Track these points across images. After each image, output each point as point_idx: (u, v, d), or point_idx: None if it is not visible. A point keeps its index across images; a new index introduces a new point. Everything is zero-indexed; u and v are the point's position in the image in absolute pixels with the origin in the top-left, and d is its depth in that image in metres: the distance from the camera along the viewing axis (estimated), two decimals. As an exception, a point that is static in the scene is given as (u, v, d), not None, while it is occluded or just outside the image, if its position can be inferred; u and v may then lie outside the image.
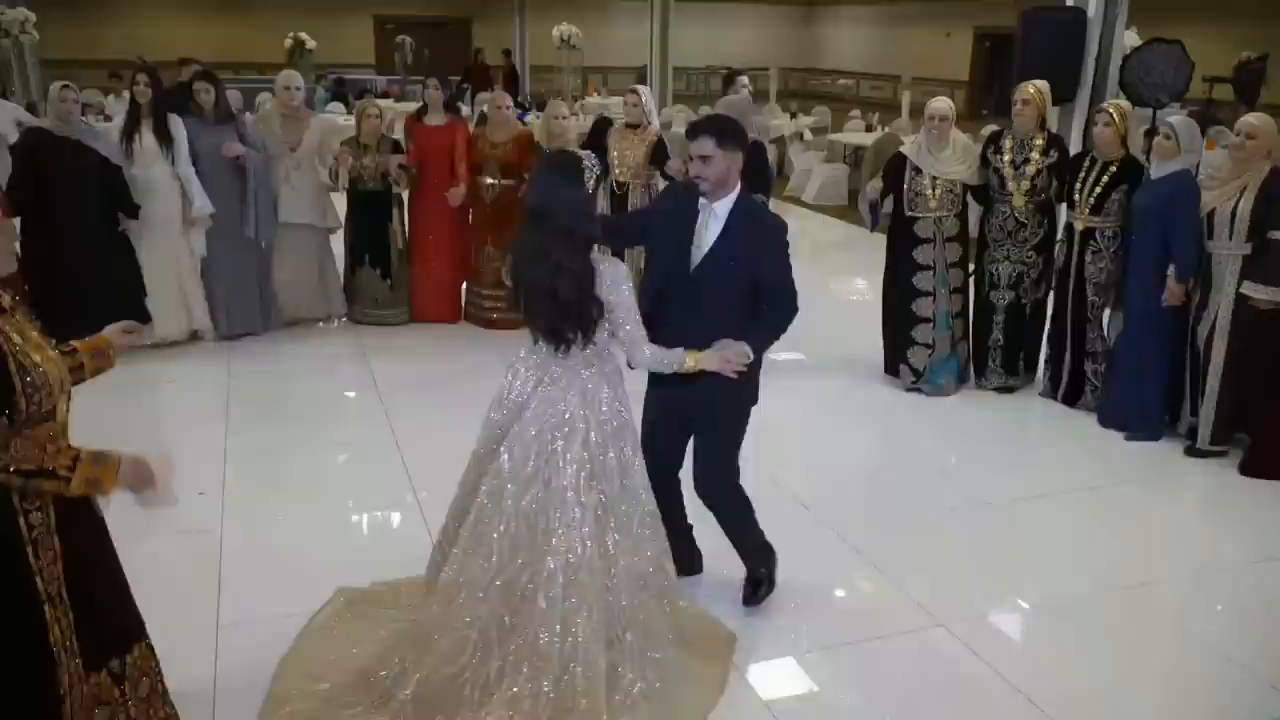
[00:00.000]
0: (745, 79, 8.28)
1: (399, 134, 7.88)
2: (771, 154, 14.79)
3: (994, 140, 6.12)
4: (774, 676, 3.67)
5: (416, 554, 4.23)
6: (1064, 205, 6.00)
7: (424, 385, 6.43)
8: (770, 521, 4.06)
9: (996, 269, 6.15)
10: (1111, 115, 5.69)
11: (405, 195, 7.43)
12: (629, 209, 6.86)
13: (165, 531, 4.53)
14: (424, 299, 7.64)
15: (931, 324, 6.22)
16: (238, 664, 3.58)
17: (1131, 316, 5.70)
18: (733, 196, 3.61)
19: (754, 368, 3.61)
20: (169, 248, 6.70)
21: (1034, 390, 6.41)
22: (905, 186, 6.10)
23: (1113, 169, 5.69)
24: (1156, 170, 5.50)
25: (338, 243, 7.50)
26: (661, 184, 6.99)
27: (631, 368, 3.37)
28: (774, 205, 6.84)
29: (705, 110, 6.93)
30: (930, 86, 21.64)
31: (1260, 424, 5.33)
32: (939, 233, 6.10)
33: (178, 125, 6.54)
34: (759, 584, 4.03)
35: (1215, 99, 14.15)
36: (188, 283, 6.84)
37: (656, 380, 3.75)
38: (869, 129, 15.45)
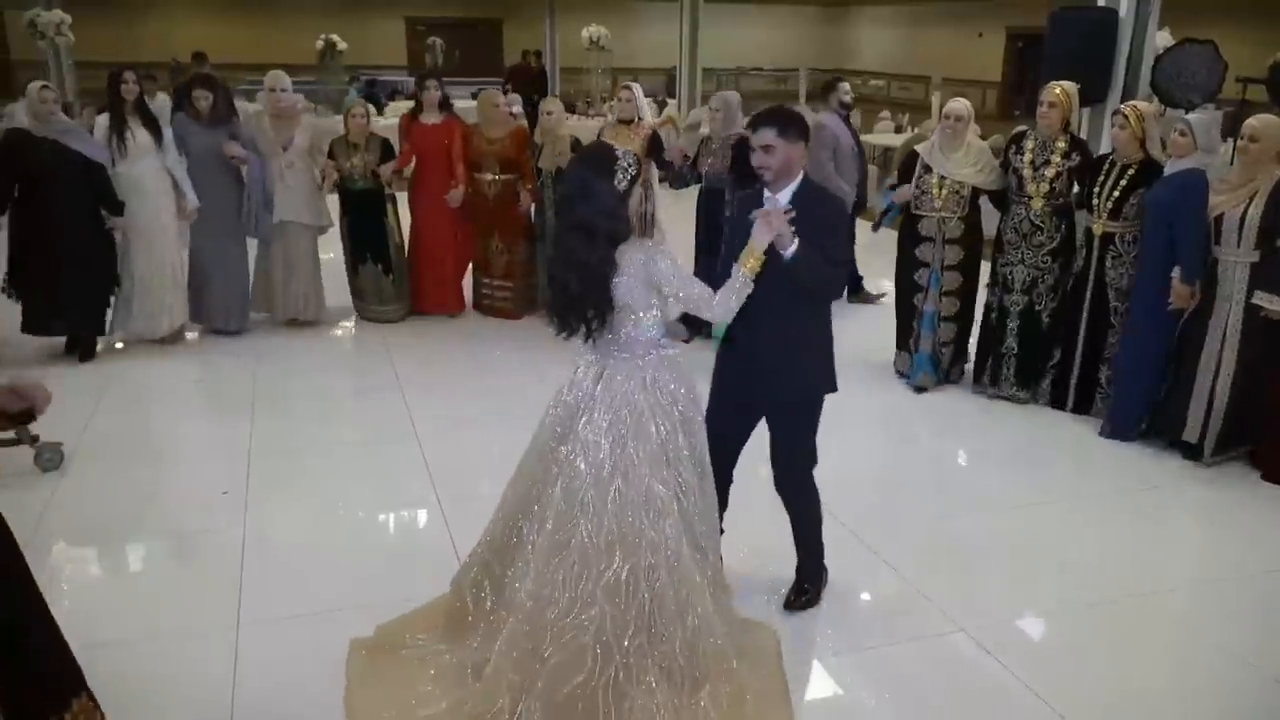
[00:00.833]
0: (846, 85, 8.16)
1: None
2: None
3: (1016, 140, 6.04)
4: (799, 679, 3.63)
5: (437, 554, 4.26)
6: (1082, 211, 5.88)
7: (446, 383, 6.45)
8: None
9: (1010, 272, 6.06)
10: (1127, 117, 5.57)
11: (399, 192, 7.53)
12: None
13: (186, 530, 4.59)
14: (426, 292, 7.74)
15: (919, 319, 6.30)
16: (257, 663, 3.59)
17: (1136, 315, 5.61)
18: (794, 184, 3.63)
19: (826, 355, 3.73)
20: (157, 245, 6.72)
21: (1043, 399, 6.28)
22: (914, 183, 6.10)
23: (1131, 172, 5.57)
24: (1171, 167, 5.39)
25: (331, 242, 7.55)
26: (656, 177, 7.26)
27: (715, 322, 3.37)
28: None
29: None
30: (961, 87, 21.54)
31: (1262, 429, 5.29)
32: (940, 233, 6.09)
33: (165, 122, 6.67)
34: (804, 594, 4.04)
35: (1249, 100, 13.98)
36: (172, 280, 6.84)
37: (724, 365, 3.78)
38: (898, 130, 15.40)
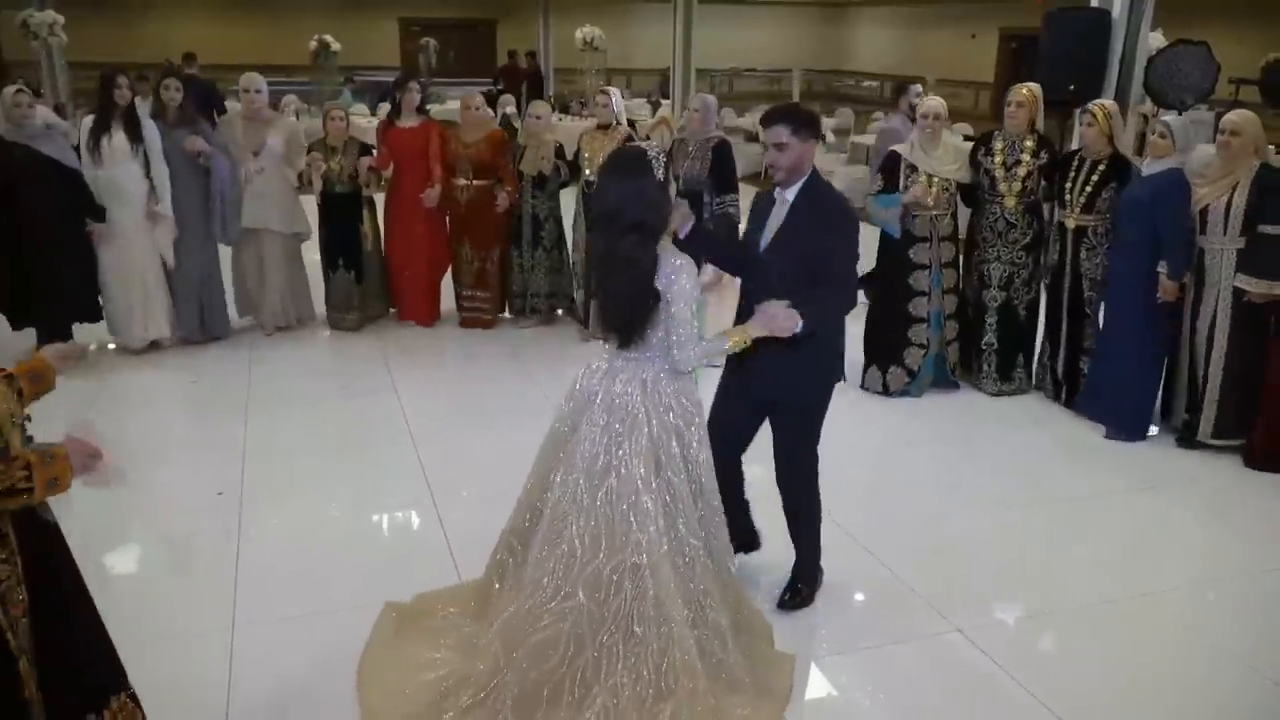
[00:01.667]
0: (918, 88, 8.12)
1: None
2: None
3: (985, 141, 6.18)
4: (793, 680, 3.64)
5: (432, 554, 4.26)
6: (1052, 205, 6.07)
7: (440, 385, 6.46)
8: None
9: (987, 269, 6.20)
10: (1095, 115, 5.75)
11: (376, 196, 7.44)
12: None
13: (181, 532, 4.59)
14: (401, 300, 7.66)
15: (926, 324, 6.23)
16: (252, 664, 3.60)
17: (1115, 312, 5.76)
18: (803, 180, 3.64)
19: (831, 353, 3.75)
20: (134, 251, 6.61)
21: (1033, 391, 6.41)
22: (901, 185, 6.10)
23: (1101, 167, 5.75)
24: (1149, 168, 5.56)
25: (312, 249, 7.44)
26: None
27: (680, 369, 3.30)
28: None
29: (728, 111, 6.97)
30: (955, 88, 21.59)
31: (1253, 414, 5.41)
32: (935, 231, 6.12)
33: (150, 128, 6.50)
34: (798, 594, 4.05)
35: (1242, 100, 14.03)
36: (152, 289, 6.72)
37: (730, 363, 3.79)
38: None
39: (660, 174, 3.26)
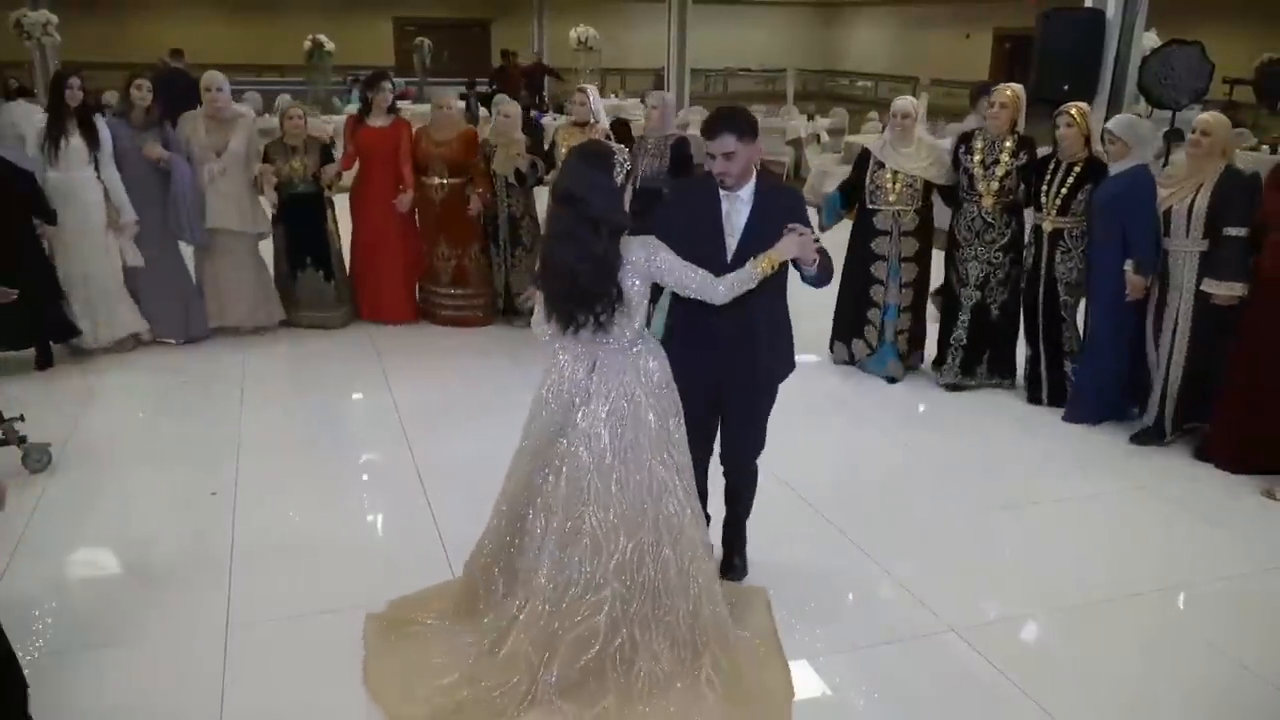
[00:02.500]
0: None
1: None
2: (788, 156, 14.90)
3: (965, 140, 6.23)
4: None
5: (427, 554, 4.26)
6: (1030, 209, 6.11)
7: (435, 385, 6.44)
8: (778, 522, 4.06)
9: (965, 268, 6.26)
10: (1073, 116, 5.80)
11: (336, 196, 7.34)
12: None
13: (175, 532, 4.58)
14: (373, 299, 7.57)
15: (881, 310, 6.46)
16: (247, 665, 3.59)
17: (1094, 312, 5.85)
18: (752, 181, 3.68)
19: (788, 337, 3.86)
20: (90, 253, 6.48)
21: (1018, 392, 6.43)
22: (868, 180, 6.26)
23: (1077, 169, 5.80)
24: (1114, 167, 5.62)
25: (268, 248, 7.34)
26: None
27: (718, 302, 3.39)
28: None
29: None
30: (949, 88, 21.58)
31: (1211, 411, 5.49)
32: (896, 226, 6.27)
33: (104, 129, 6.40)
34: (733, 565, 4.19)
35: (1236, 101, 14.07)
36: (114, 290, 6.62)
37: (686, 354, 3.67)
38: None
39: (622, 176, 3.28)
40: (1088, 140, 5.81)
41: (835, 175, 13.60)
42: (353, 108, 14.18)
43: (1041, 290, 6.06)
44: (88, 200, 6.37)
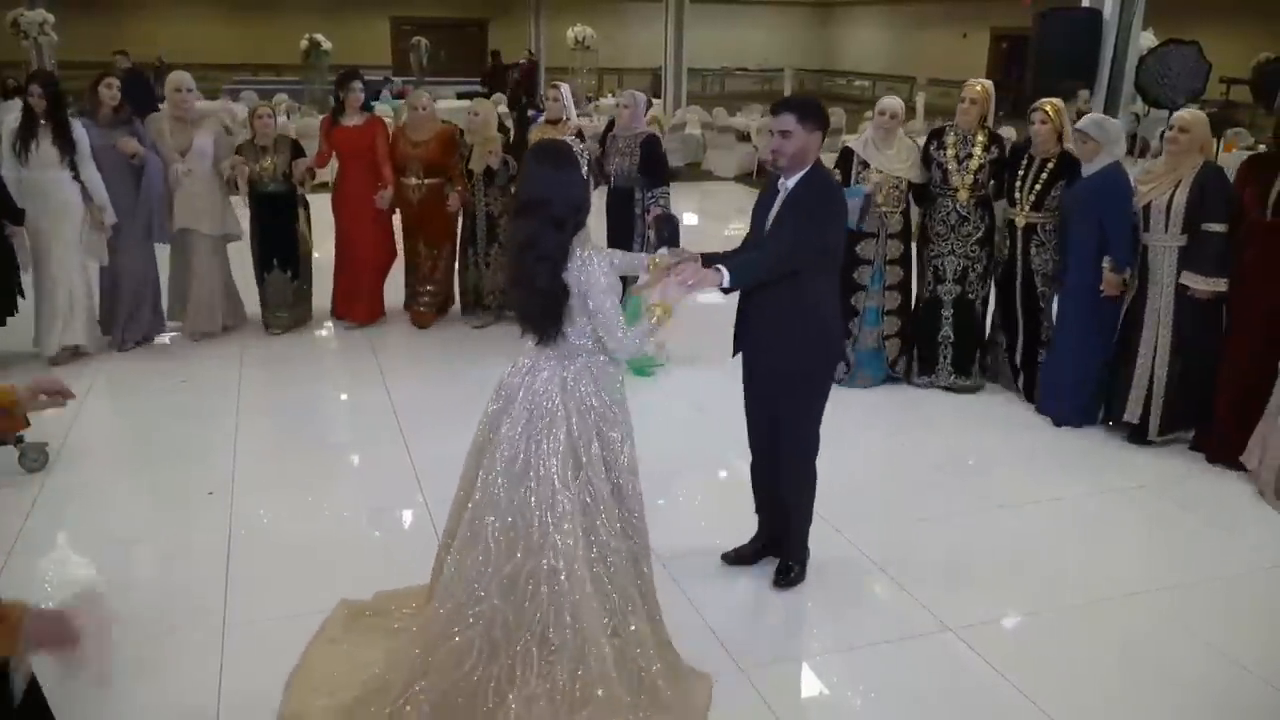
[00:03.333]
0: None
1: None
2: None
3: (937, 136, 6.27)
4: (782, 679, 3.64)
5: (424, 554, 4.24)
6: (1002, 202, 6.17)
7: (432, 384, 6.43)
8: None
9: (942, 264, 6.27)
10: (1047, 113, 5.85)
11: (311, 196, 7.32)
12: None
13: (172, 531, 4.57)
14: (349, 299, 7.51)
15: (860, 317, 6.34)
16: (244, 665, 3.58)
17: (1069, 309, 5.88)
18: (805, 170, 3.71)
19: (823, 326, 3.80)
20: (60, 256, 6.36)
21: (1012, 389, 6.44)
22: (853, 181, 6.22)
23: (1051, 165, 5.86)
24: (1088, 167, 5.66)
25: (240, 250, 7.28)
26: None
27: (620, 357, 3.25)
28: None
29: (719, 111, 6.95)
30: (946, 88, 21.57)
31: (1206, 410, 5.48)
32: (883, 227, 6.23)
33: (79, 132, 6.27)
34: (789, 571, 4.14)
35: (1233, 100, 14.08)
36: (79, 296, 6.46)
37: (740, 344, 3.89)
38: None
39: (585, 170, 3.26)
40: (1061, 136, 5.87)
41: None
42: (385, 108, 14.19)
43: (1019, 284, 6.13)
44: (61, 201, 6.26)
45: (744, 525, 4.28)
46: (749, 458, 4.18)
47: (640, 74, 23.26)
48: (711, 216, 12.73)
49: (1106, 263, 5.55)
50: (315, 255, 7.49)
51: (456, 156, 7.19)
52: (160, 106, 7.91)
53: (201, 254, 6.96)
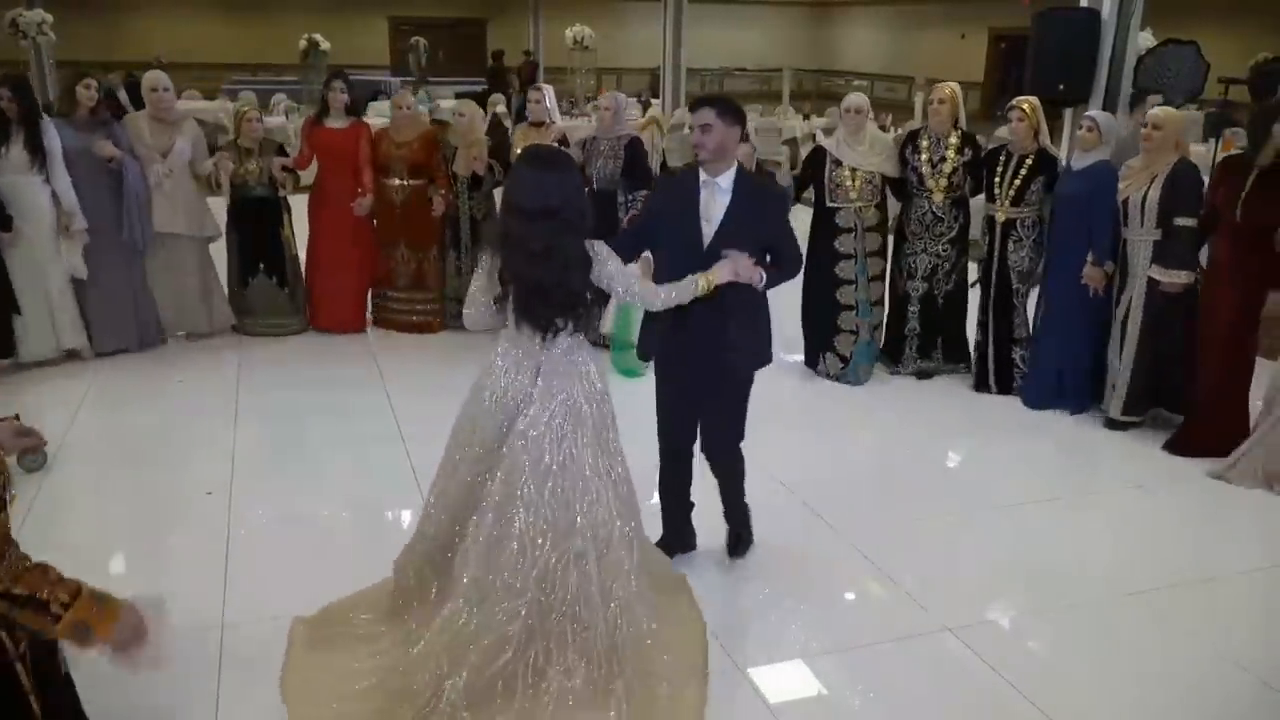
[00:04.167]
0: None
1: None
2: (784, 155, 14.90)
3: (911, 139, 6.37)
4: (780, 679, 3.66)
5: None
6: (980, 199, 6.28)
7: (430, 385, 6.41)
8: (771, 520, 4.07)
9: (914, 261, 6.43)
10: (1024, 110, 5.99)
11: (293, 197, 7.21)
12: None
13: (171, 531, 4.57)
14: (326, 307, 7.39)
15: (855, 310, 6.44)
16: (243, 665, 3.58)
17: (1054, 302, 6.01)
18: (733, 169, 3.80)
19: (767, 329, 3.95)
20: (36, 261, 6.27)
21: (957, 374, 6.63)
22: (826, 178, 6.31)
23: (1029, 162, 5.98)
24: (1078, 161, 5.80)
25: (218, 251, 7.17)
26: None
27: (655, 309, 3.52)
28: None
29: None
30: (945, 88, 21.57)
31: (1173, 400, 5.73)
32: (859, 223, 6.33)
33: (51, 136, 6.16)
34: (740, 538, 4.29)
35: (1231, 100, 14.06)
36: (57, 299, 6.37)
37: (669, 345, 3.94)
38: (882, 129, 15.41)
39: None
40: (1038, 133, 5.99)
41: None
42: (425, 107, 14.16)
43: (995, 279, 6.25)
44: (34, 206, 6.17)
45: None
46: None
47: (639, 74, 23.24)
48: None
49: (1090, 256, 5.69)
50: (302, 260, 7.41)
51: (439, 158, 7.12)
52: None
53: (183, 256, 6.88)
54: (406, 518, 4.76)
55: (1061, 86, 7.88)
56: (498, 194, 7.16)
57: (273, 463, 5.30)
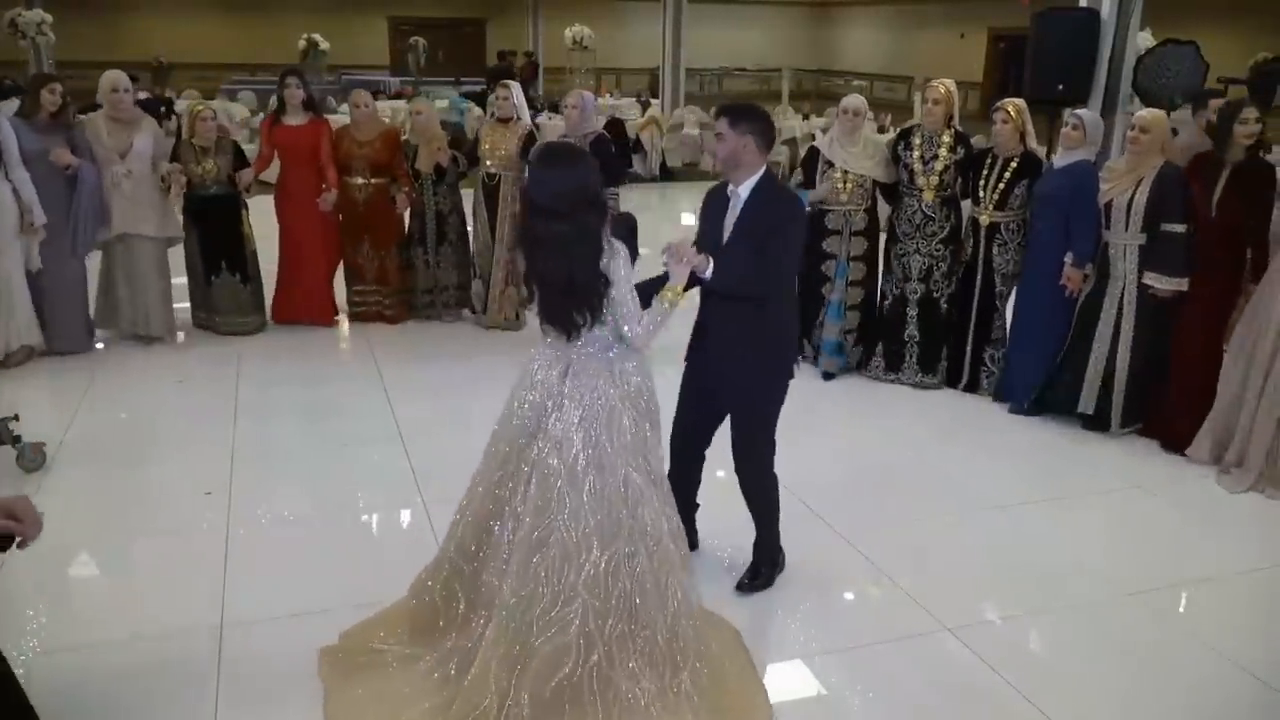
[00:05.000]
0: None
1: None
2: (784, 155, 14.88)
3: (904, 137, 6.35)
4: (782, 678, 3.65)
5: (421, 554, 4.24)
6: (968, 201, 6.24)
7: (433, 385, 6.43)
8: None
9: (907, 262, 6.35)
10: (1009, 112, 5.94)
11: (256, 197, 7.22)
12: (499, 199, 7.12)
13: (170, 531, 4.57)
14: (291, 301, 7.42)
15: (824, 307, 6.47)
16: (243, 666, 3.58)
17: (1031, 301, 6.00)
18: (755, 178, 3.77)
19: (786, 346, 3.92)
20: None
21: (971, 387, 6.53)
22: (818, 179, 6.32)
23: (1014, 164, 5.94)
24: (1060, 159, 5.79)
25: (177, 254, 7.09)
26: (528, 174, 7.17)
27: (638, 347, 3.34)
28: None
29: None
30: (944, 88, 21.58)
31: (1162, 403, 5.66)
32: (847, 225, 6.34)
33: (6, 133, 6.10)
34: (757, 576, 4.15)
35: (1230, 101, 14.07)
36: (14, 295, 6.27)
37: (693, 358, 3.96)
38: (881, 130, 15.39)
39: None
40: (1023, 136, 5.95)
41: (828, 175, 13.62)
42: (458, 114, 14.18)
43: (979, 281, 6.22)
44: None
45: (740, 524, 4.26)
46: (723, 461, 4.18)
47: (638, 74, 23.25)
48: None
49: (1068, 257, 5.67)
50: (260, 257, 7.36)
51: (401, 156, 7.19)
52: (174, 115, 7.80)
53: (145, 258, 6.80)
54: (405, 517, 4.77)
55: (1061, 86, 7.88)
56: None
57: (272, 462, 5.29)
